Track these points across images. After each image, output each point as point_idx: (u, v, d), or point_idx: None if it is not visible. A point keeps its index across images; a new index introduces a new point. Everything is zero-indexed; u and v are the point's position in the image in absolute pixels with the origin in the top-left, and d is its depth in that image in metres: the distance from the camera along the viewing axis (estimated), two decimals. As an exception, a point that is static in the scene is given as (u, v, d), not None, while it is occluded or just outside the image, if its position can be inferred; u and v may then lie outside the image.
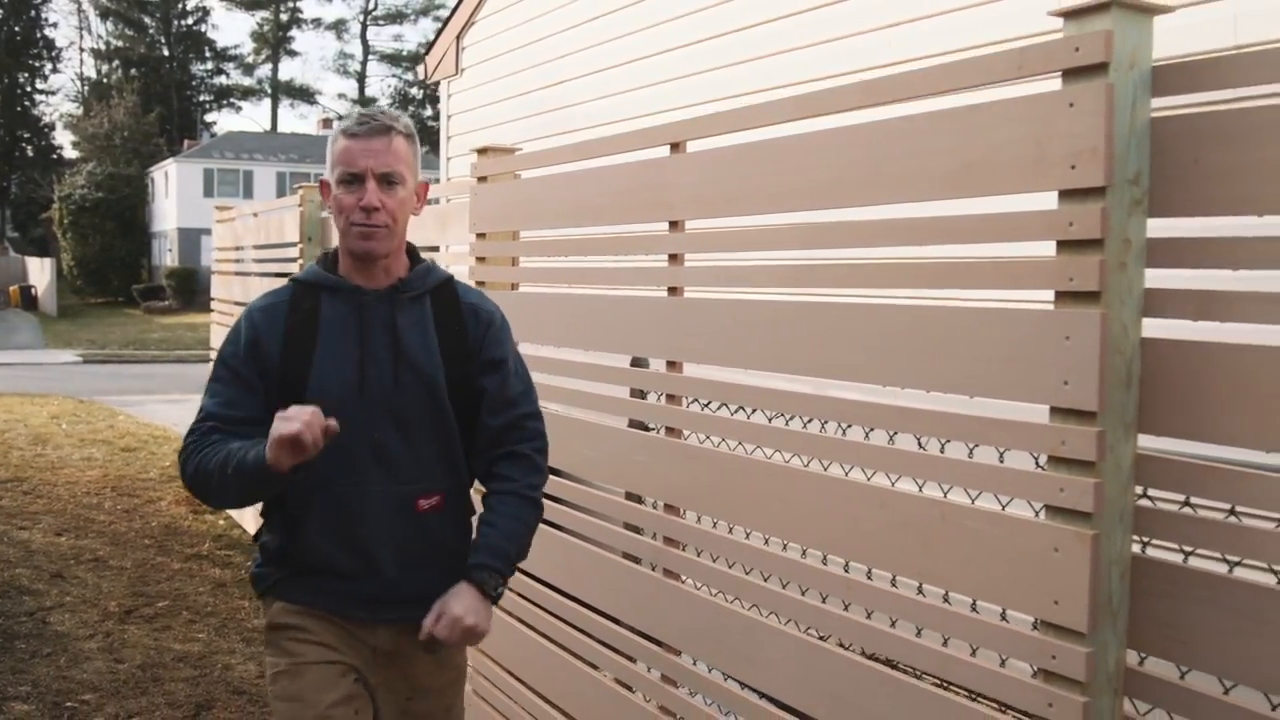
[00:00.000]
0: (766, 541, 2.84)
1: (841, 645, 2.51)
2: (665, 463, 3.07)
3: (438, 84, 10.27)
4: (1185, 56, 1.93)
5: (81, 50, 79.32)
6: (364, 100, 73.12)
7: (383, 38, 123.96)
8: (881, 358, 2.31)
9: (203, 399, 2.48)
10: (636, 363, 3.42)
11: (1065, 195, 1.92)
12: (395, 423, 2.43)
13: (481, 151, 4.07)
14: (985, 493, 2.18)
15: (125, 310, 42.54)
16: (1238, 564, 1.88)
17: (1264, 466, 1.75)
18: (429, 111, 66.80)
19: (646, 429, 3.29)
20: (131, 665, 5.06)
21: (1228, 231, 1.80)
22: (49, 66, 66.09)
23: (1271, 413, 1.71)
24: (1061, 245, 1.92)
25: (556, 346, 3.62)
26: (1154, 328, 1.89)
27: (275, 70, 73.91)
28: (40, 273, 43.13)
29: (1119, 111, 1.84)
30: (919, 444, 2.51)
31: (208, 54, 71.37)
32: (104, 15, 67.22)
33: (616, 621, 3.30)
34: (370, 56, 75.86)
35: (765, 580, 2.77)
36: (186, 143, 53.33)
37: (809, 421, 2.73)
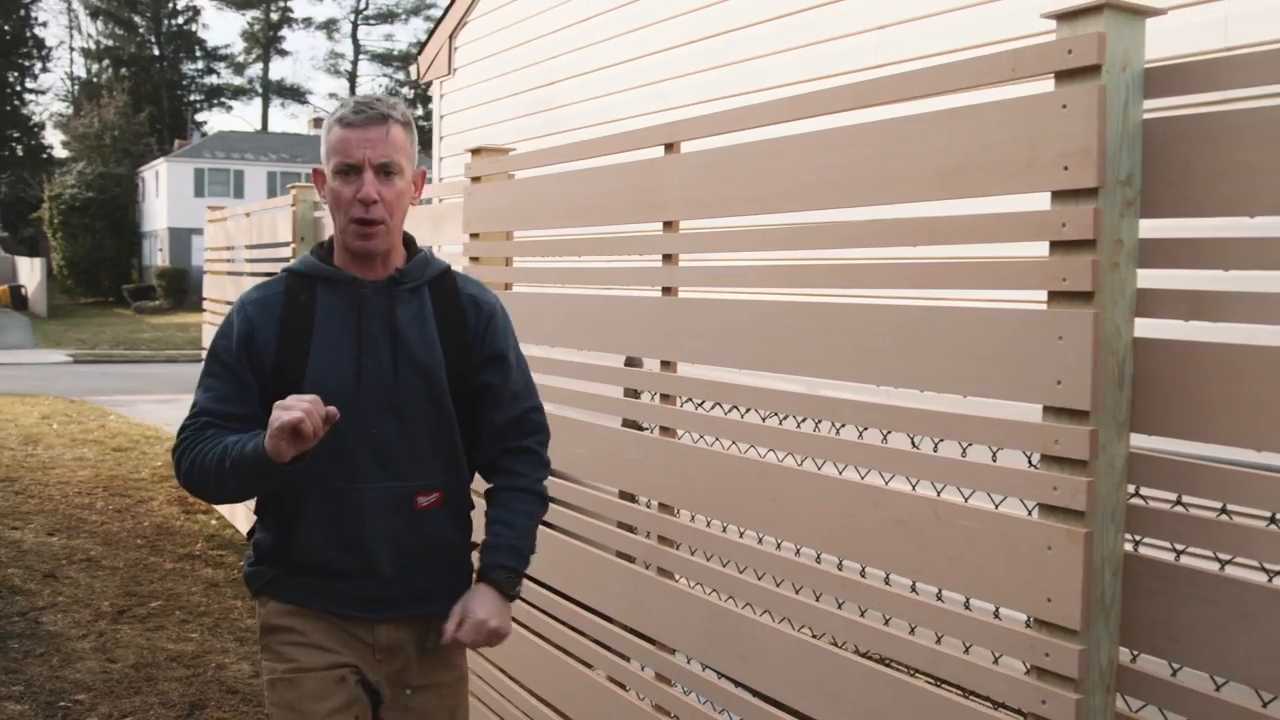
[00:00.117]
0: (760, 540, 2.86)
1: (835, 643, 2.53)
2: (659, 462, 3.08)
3: (430, 84, 10.27)
4: (1177, 58, 1.94)
5: (71, 49, 79.38)
6: (355, 100, 72.94)
7: (374, 37, 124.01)
8: (876, 357, 2.32)
9: (196, 394, 2.42)
10: (630, 362, 3.43)
11: (1058, 196, 1.93)
12: (394, 417, 2.37)
13: (475, 152, 4.08)
14: (978, 491, 2.20)
15: (116, 310, 42.46)
16: (1229, 562, 1.90)
17: (1255, 465, 1.76)
18: (420, 111, 66.69)
19: (640, 428, 3.30)
20: (125, 665, 5.06)
21: (1219, 232, 1.82)
22: (39, 66, 66.04)
23: (1262, 412, 1.73)
24: (1054, 246, 1.94)
25: (550, 346, 3.63)
26: (1146, 328, 1.90)
27: (266, 70, 73.83)
28: (30, 273, 43.03)
29: (1111, 113, 1.86)
30: (912, 443, 2.52)
31: (198, 53, 71.24)
32: (94, 14, 67.06)
33: (610, 620, 3.31)
34: (361, 56, 75.82)
35: (759, 579, 2.78)
36: (177, 142, 53.19)
37: (803, 421, 2.75)
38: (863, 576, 2.50)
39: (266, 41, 72.90)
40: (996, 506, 2.13)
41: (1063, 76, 1.93)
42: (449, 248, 4.37)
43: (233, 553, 7.16)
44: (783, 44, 5.64)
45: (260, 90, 73.99)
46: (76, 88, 67.04)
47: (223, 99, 74.22)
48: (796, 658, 2.57)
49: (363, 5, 74.51)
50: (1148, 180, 1.89)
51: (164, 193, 46.61)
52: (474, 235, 4.02)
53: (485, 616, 2.40)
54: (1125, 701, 1.95)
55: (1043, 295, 1.97)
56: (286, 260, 6.62)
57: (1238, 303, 1.79)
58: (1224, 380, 1.78)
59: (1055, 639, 1.93)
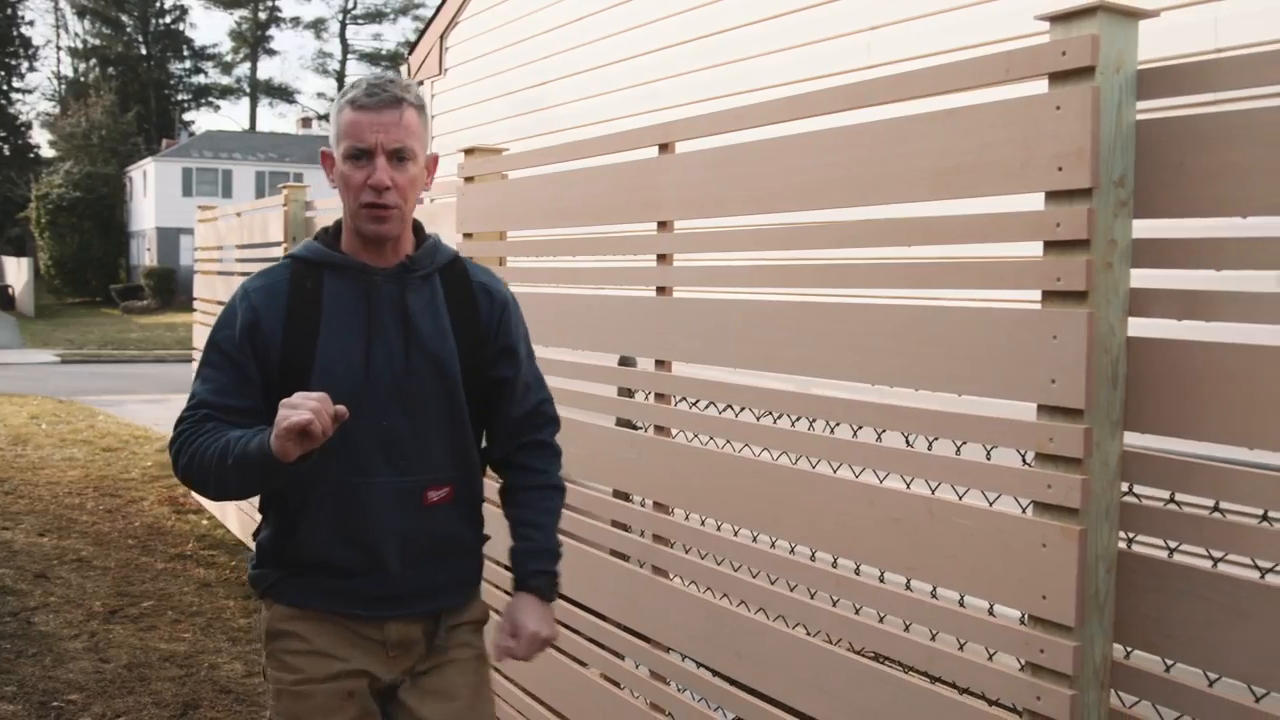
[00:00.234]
0: (755, 539, 2.87)
1: (830, 641, 2.54)
2: (654, 461, 3.09)
3: (421, 84, 10.26)
4: (1166, 59, 1.96)
5: (58, 48, 79.01)
6: (343, 99, 72.82)
7: (362, 37, 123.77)
8: (871, 357, 2.34)
9: (194, 384, 2.30)
10: (624, 361, 3.44)
11: (1052, 197, 1.95)
12: (405, 410, 2.27)
13: (469, 151, 4.09)
14: (972, 489, 2.21)
15: (103, 310, 42.33)
16: (1222, 559, 1.92)
17: (1247, 463, 1.78)
18: (409, 111, 66.48)
19: (635, 427, 3.31)
20: (117, 665, 5.06)
21: (1212, 233, 1.83)
22: (25, 65, 65.55)
23: (1254, 410, 1.75)
24: (1048, 246, 1.96)
25: (544, 346, 3.64)
26: (1140, 327, 1.92)
27: (254, 69, 73.66)
28: (17, 273, 42.89)
29: (1105, 114, 1.88)
30: (906, 441, 2.54)
31: (186, 53, 71.00)
32: (81, 13, 66.82)
33: (604, 618, 3.32)
34: (349, 55, 75.64)
35: (754, 577, 2.79)
36: (165, 142, 53.05)
37: (797, 420, 2.76)
38: (857, 574, 2.52)
39: (254, 41, 72.75)
40: (991, 504, 2.15)
41: (1057, 78, 1.94)
42: (442, 248, 4.37)
43: (224, 553, 7.15)
44: (775, 44, 5.65)
45: (248, 90, 73.84)
46: (63, 87, 66.80)
47: (210, 98, 74.06)
48: (792, 655, 2.58)
49: (351, 5, 74.42)
50: (1141, 181, 1.90)
51: (152, 192, 46.47)
52: (467, 235, 4.03)
53: (536, 628, 2.36)
54: (1119, 698, 1.97)
55: (1037, 295, 1.99)
56: (278, 261, 6.62)
57: (1230, 302, 1.81)
58: (1217, 379, 1.80)
59: (1050, 635, 1.95)
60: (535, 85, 7.91)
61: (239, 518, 7.40)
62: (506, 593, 3.71)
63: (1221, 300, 1.82)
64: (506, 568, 2.53)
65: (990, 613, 2.23)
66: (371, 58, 74.62)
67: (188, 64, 71.75)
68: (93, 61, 66.98)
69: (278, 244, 6.69)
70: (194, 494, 8.71)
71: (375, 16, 77.53)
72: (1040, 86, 1.98)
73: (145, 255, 47.51)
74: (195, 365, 9.04)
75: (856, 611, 2.51)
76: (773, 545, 2.84)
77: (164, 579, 6.53)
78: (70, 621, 5.68)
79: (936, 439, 2.31)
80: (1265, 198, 1.75)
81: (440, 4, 9.73)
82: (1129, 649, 1.96)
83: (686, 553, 3.05)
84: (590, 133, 4.90)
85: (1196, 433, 1.83)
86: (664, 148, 3.05)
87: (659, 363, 3.11)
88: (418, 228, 2.39)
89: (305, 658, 2.32)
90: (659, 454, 3.08)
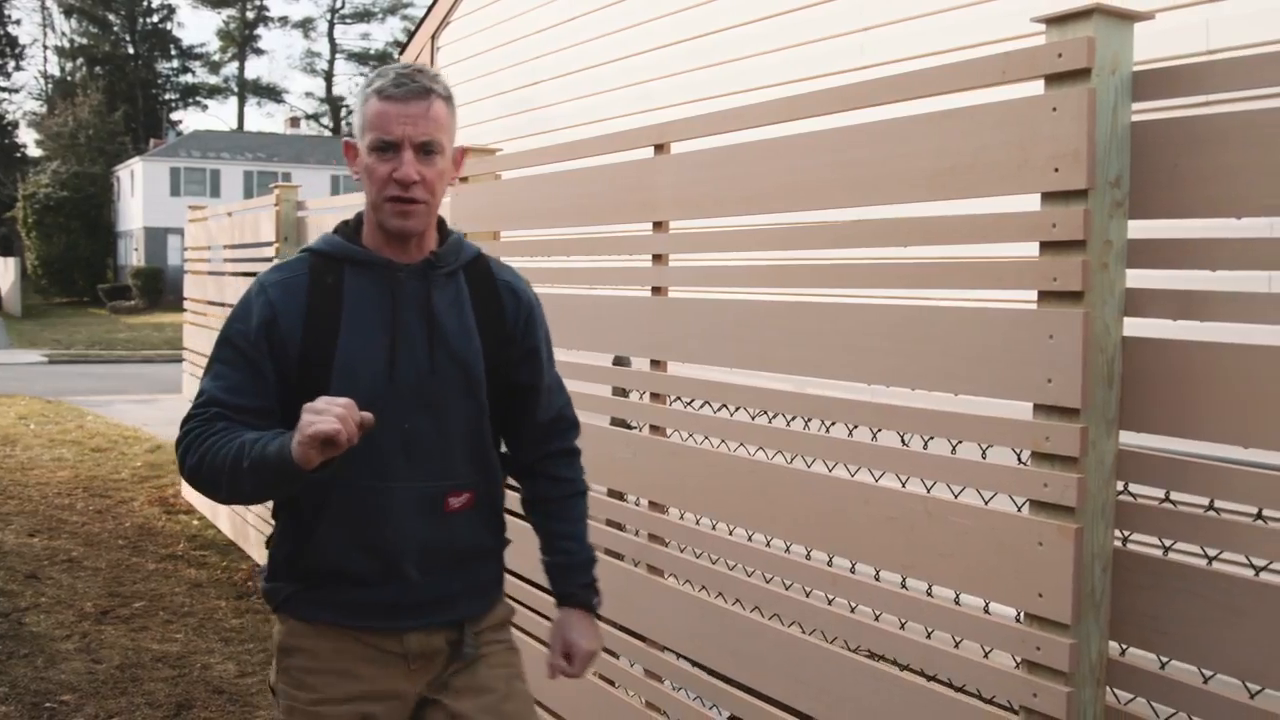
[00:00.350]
0: (750, 537, 2.88)
1: (825, 639, 2.55)
2: (649, 460, 3.10)
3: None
4: (1158, 61, 1.97)
5: (45, 47, 78.97)
6: (331, 99, 72.80)
7: (350, 36, 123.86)
8: (868, 356, 2.35)
9: (203, 381, 2.17)
10: (618, 361, 3.45)
11: (1048, 198, 1.97)
12: (427, 412, 2.17)
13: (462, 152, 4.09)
14: (968, 488, 2.23)
15: (91, 310, 42.19)
16: (1216, 557, 1.93)
17: (1242, 462, 1.80)
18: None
19: (628, 427, 3.32)
20: (110, 666, 5.05)
21: (1206, 233, 1.85)
22: (12, 64, 65.28)
23: (1249, 409, 1.77)
24: (1045, 246, 1.97)
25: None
26: (1135, 327, 1.94)
27: (242, 69, 73.43)
28: (4, 272, 42.68)
29: (1100, 116, 1.89)
30: (902, 441, 2.55)
31: (173, 52, 70.75)
32: (68, 12, 66.54)
33: (600, 617, 3.32)
34: (338, 55, 75.59)
35: (749, 575, 2.81)
36: (152, 141, 52.88)
37: (792, 419, 2.77)
38: (853, 573, 2.53)
39: (242, 40, 72.55)
40: (987, 503, 2.16)
41: (1053, 79, 1.96)
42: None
43: (215, 553, 7.14)
44: (768, 45, 5.67)
45: (236, 89, 73.63)
46: (50, 86, 66.50)
47: (198, 98, 73.80)
48: (787, 654, 2.59)
49: (339, 4, 74.29)
50: (1136, 182, 1.92)
51: (139, 192, 46.32)
52: (461, 235, 4.03)
53: (589, 646, 2.35)
54: (1114, 695, 1.98)
55: (1033, 295, 2.00)
56: (269, 260, 6.61)
57: (1225, 302, 1.83)
58: (1211, 378, 1.82)
59: (1046, 633, 1.96)
60: (527, 85, 7.92)
61: (230, 518, 7.39)
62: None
63: (1216, 300, 1.84)
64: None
65: (986, 611, 2.24)
66: (360, 57, 74.49)
67: (175, 63, 71.53)
68: (80, 61, 66.71)
69: (269, 244, 6.68)
70: (184, 494, 8.69)
71: (363, 16, 77.57)
72: (1036, 88, 1.99)
73: (133, 255, 47.36)
74: (184, 365, 8.92)
75: (852, 610, 2.53)
76: (768, 544, 2.85)
77: (155, 579, 6.52)
78: (62, 622, 5.66)
79: (932, 438, 2.32)
80: (1259, 199, 1.77)
81: (432, 4, 9.72)
82: (1124, 646, 1.97)
83: (681, 552, 3.06)
84: (583, 133, 4.90)
85: (1191, 432, 1.85)
86: (660, 148, 3.06)
87: (654, 363, 3.12)
88: (441, 223, 2.29)
89: (321, 676, 2.21)
90: (654, 453, 3.09)
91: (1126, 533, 1.98)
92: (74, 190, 45.47)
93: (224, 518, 7.60)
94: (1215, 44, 3.44)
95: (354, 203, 6.30)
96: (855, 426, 2.49)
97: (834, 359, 2.45)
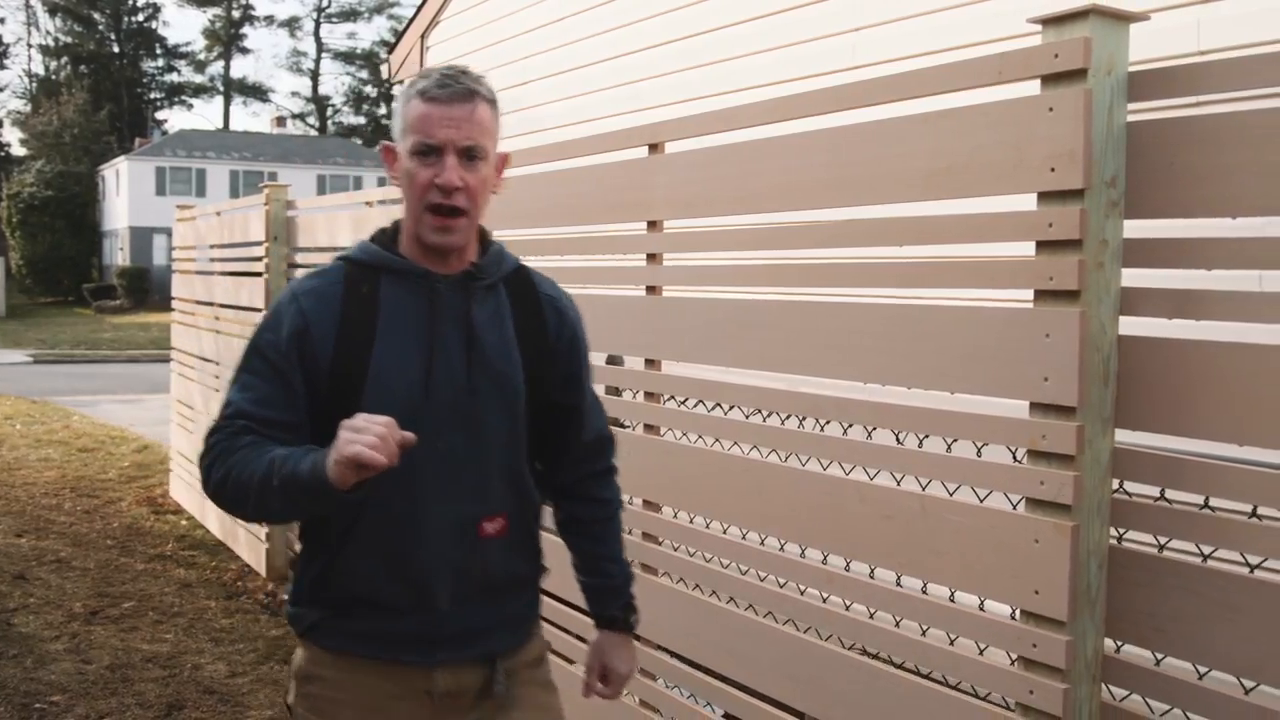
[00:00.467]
0: (745, 536, 2.89)
1: (820, 636, 2.56)
2: (643, 459, 3.10)
3: (401, 83, 10.24)
4: (1150, 61, 1.99)
5: (29, 46, 78.20)
6: (317, 98, 72.61)
7: (336, 35, 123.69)
8: (864, 355, 2.36)
9: (229, 391, 2.07)
10: (612, 360, 3.46)
11: (1044, 197, 1.98)
12: (464, 430, 2.06)
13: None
14: (963, 486, 2.24)
15: (76, 310, 42.00)
16: (1211, 554, 1.95)
17: (1237, 460, 1.81)
18: (383, 110, 66.51)
19: (621, 426, 3.32)
20: (100, 666, 5.03)
21: (1202, 233, 1.86)
22: (-4, 62, 65.04)
23: (1244, 407, 1.78)
24: (1041, 246, 1.98)
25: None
26: (1131, 326, 1.95)
27: (227, 68, 73.15)
28: (-12, 272, 42.50)
29: (1096, 116, 1.91)
30: (897, 439, 2.56)
31: (159, 51, 70.47)
32: (52, 11, 66.23)
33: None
34: (324, 54, 75.32)
35: (744, 574, 2.81)
36: (138, 141, 52.64)
37: (787, 418, 2.78)
38: (848, 570, 2.54)
39: (228, 39, 72.30)
40: (982, 501, 2.17)
41: (1049, 80, 1.97)
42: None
43: (204, 553, 7.12)
44: (760, 45, 5.67)
45: (222, 88, 73.37)
46: (35, 85, 66.14)
47: (184, 97, 73.50)
48: (782, 652, 2.60)
49: (325, 3, 74.04)
50: (1132, 182, 1.93)
51: (125, 191, 46.13)
52: (454, 235, 4.03)
53: (627, 670, 2.31)
54: (1110, 691, 1.99)
55: (1029, 294, 2.01)
56: (259, 260, 6.60)
57: (1220, 301, 1.84)
58: (1207, 377, 1.83)
59: (1043, 630, 1.98)
60: (517, 85, 7.90)
61: (219, 519, 7.37)
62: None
63: (1211, 299, 1.85)
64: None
65: (981, 608, 2.25)
66: (346, 56, 74.34)
67: (161, 62, 71.24)
68: (64, 59, 66.40)
69: (258, 243, 6.66)
70: (172, 493, 8.67)
71: (350, 15, 77.28)
72: (1032, 88, 2.00)
73: (118, 255, 47.15)
74: (173, 365, 8.86)
75: (847, 608, 2.54)
76: (763, 542, 2.86)
77: (144, 579, 6.50)
78: (51, 623, 5.64)
79: (928, 436, 2.33)
80: (1254, 199, 1.78)
81: (421, 3, 9.70)
82: (1120, 643, 1.99)
83: (675, 550, 3.06)
84: (572, 133, 4.90)
85: (1187, 430, 1.87)
86: (654, 148, 3.06)
87: (649, 361, 3.12)
88: (482, 232, 2.19)
89: (343, 709, 2.11)
90: (648, 452, 3.10)
91: (1122, 530, 1.99)
92: (59, 190, 45.28)
93: (212, 518, 7.57)
94: (1206, 45, 3.46)
95: (343, 202, 6.30)
96: (850, 425, 2.49)
97: (829, 357, 2.46)
